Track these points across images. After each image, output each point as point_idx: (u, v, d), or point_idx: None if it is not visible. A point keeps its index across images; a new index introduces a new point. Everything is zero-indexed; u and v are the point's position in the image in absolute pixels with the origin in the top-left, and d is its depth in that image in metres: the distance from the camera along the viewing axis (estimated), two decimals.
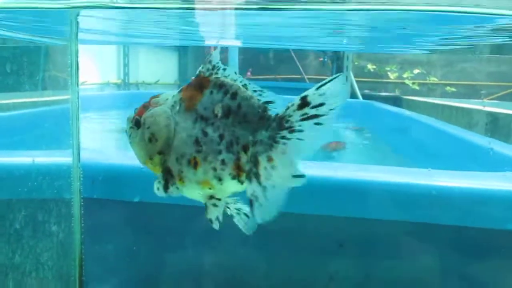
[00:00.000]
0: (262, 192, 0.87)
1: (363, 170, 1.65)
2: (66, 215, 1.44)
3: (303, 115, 0.86)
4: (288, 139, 0.87)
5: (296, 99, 0.87)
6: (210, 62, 0.98)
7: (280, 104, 0.95)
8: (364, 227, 1.60)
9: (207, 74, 0.97)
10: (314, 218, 1.61)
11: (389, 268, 1.69)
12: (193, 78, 1.01)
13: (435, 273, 1.68)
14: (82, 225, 1.53)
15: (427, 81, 11.30)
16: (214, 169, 0.95)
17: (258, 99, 0.94)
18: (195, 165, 0.96)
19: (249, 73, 9.75)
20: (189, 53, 9.85)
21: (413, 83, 11.20)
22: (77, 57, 1.50)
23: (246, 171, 0.92)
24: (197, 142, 0.96)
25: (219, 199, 0.99)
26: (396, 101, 8.41)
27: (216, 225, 0.99)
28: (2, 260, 1.27)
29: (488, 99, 10.12)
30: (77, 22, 1.49)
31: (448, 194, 1.48)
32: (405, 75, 11.25)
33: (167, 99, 1.03)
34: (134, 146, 1.06)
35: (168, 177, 1.00)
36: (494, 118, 5.61)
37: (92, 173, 1.63)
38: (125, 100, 6.63)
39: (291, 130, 0.87)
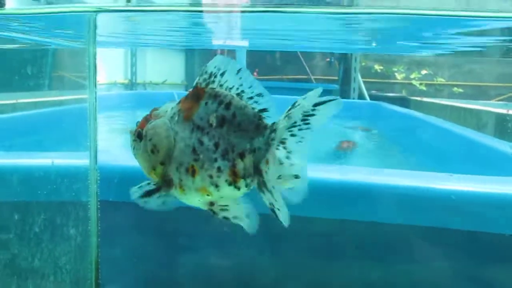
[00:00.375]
0: (272, 197, 0.93)
1: (382, 174, 1.64)
2: (84, 218, 1.43)
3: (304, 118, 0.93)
4: (285, 140, 0.95)
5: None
6: (205, 72, 1.02)
7: (275, 111, 0.99)
8: (384, 232, 1.58)
9: (203, 84, 1.02)
10: (333, 222, 1.60)
11: (406, 272, 1.68)
12: (190, 90, 1.06)
13: (452, 279, 1.67)
14: (99, 228, 1.53)
15: (435, 82, 11.25)
16: (211, 177, 0.98)
17: (252, 108, 0.98)
18: (193, 173, 1.00)
19: (255, 74, 9.74)
20: (196, 53, 9.86)
21: (421, 84, 11.16)
22: (95, 59, 1.50)
23: (249, 182, 0.98)
24: (194, 151, 1.00)
25: (219, 205, 1.03)
26: (403, 102, 8.37)
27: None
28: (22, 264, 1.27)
29: (496, 100, 10.07)
30: (95, 25, 1.49)
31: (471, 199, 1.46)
32: (412, 76, 11.21)
33: (167, 111, 1.08)
34: (138, 158, 1.10)
35: (162, 185, 1.05)
36: (503, 120, 5.58)
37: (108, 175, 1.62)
38: (132, 100, 6.64)
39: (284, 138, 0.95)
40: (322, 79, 10.59)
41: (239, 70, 1.01)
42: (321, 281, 1.73)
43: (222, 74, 1.00)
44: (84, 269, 1.46)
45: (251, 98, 1.00)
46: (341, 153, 3.73)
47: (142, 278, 1.73)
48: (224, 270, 1.79)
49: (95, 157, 1.51)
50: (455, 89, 11.10)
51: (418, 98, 8.76)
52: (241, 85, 1.00)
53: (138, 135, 1.09)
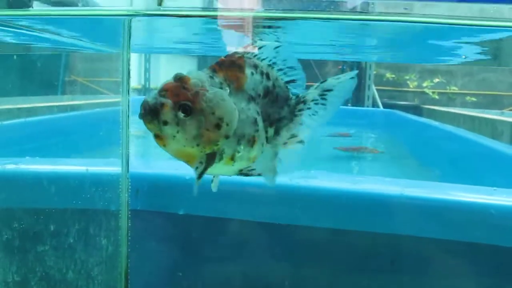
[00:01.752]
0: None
1: (417, 186, 1.60)
2: (115, 228, 1.40)
3: (321, 94, 1.06)
4: (304, 110, 1.05)
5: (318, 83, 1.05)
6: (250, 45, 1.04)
7: (303, 82, 1.06)
8: (421, 245, 1.54)
9: (241, 54, 1.00)
10: (368, 234, 1.56)
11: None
12: (222, 57, 0.98)
13: None
14: (129, 237, 1.50)
15: (447, 91, 11.18)
16: (262, 144, 0.99)
17: (281, 79, 1.04)
18: (252, 143, 0.96)
19: None
20: (209, 59, 9.85)
21: (433, 92, 11.09)
22: (129, 64, 1.48)
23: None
24: (255, 122, 0.97)
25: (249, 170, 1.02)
26: (416, 110, 8.33)
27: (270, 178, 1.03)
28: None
29: (510, 110, 9.98)
30: (130, 31, 1.46)
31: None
32: (424, 84, 11.15)
33: (205, 80, 0.93)
34: (183, 137, 0.88)
35: (209, 161, 0.93)
36: None
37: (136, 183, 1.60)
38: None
39: (305, 103, 1.05)
40: None
41: (277, 47, 1.03)
42: None
43: (260, 48, 1.02)
44: (114, 279, 1.43)
45: (281, 69, 1.05)
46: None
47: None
48: (247, 279, 1.76)
49: (127, 165, 1.48)
50: (468, 98, 11.03)
51: (431, 107, 8.71)
52: (274, 57, 1.03)
53: (184, 109, 0.88)
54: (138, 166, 1.69)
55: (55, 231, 1.30)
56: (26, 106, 3.92)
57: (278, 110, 1.03)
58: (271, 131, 1.02)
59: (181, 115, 0.87)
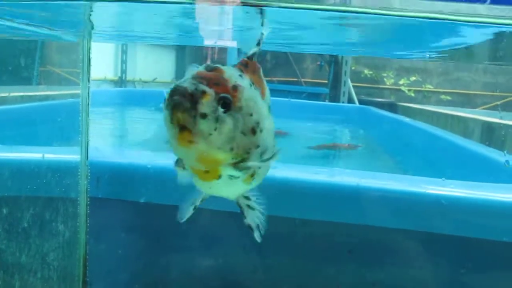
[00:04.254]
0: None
1: (373, 177, 1.64)
2: (73, 214, 1.41)
3: None
4: None
5: None
6: (258, 43, 0.92)
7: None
8: (373, 235, 1.58)
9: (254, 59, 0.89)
10: (324, 224, 1.60)
11: (395, 276, 1.68)
12: (245, 59, 0.87)
13: (439, 284, 1.67)
14: (88, 224, 1.51)
15: (423, 89, 11.35)
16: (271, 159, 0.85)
17: None
18: (270, 158, 0.82)
19: None
20: (187, 52, 9.81)
21: (409, 90, 11.25)
22: (89, 53, 1.48)
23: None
24: (274, 134, 0.84)
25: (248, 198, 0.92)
26: (391, 107, 8.43)
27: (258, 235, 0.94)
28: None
29: (482, 108, 10.20)
30: (90, 19, 1.46)
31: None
32: (401, 82, 11.30)
33: (236, 76, 0.78)
34: (219, 137, 0.72)
35: (239, 171, 0.79)
36: (489, 127, 5.64)
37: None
38: (121, 98, 6.58)
39: None
40: (311, 82, 10.61)
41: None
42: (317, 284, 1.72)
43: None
44: (72, 265, 1.44)
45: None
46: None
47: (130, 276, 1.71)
48: (211, 272, 1.77)
49: (86, 152, 1.48)
50: (443, 96, 11.22)
51: (407, 104, 8.83)
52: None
53: (225, 104, 0.72)
54: (99, 154, 1.70)
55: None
56: None
57: None
58: None
59: (220, 110, 0.71)
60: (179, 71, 10.00)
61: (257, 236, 0.91)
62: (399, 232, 1.56)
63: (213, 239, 1.72)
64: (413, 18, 1.33)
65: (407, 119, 4.91)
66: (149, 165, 1.67)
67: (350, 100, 7.69)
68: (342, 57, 7.34)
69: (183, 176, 0.86)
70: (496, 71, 10.07)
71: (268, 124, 0.80)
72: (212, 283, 1.77)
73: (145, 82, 8.61)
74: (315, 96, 8.17)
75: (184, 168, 0.84)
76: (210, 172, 0.77)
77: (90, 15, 1.47)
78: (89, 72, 1.46)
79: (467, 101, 10.71)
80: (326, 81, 8.67)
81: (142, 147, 3.61)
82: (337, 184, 1.60)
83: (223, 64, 0.80)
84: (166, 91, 0.75)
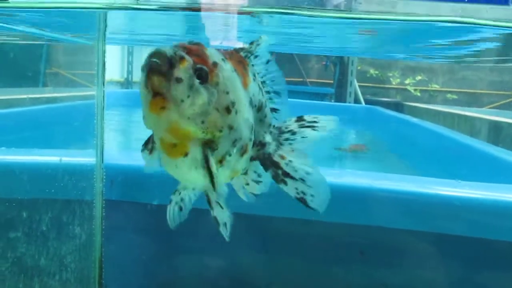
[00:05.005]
0: (304, 184, 0.90)
1: (385, 179, 1.64)
2: (89, 217, 1.42)
3: (300, 124, 0.93)
4: (293, 139, 0.93)
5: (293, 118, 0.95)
6: (252, 45, 0.94)
7: (286, 113, 0.99)
8: (386, 236, 1.59)
9: (244, 55, 0.91)
10: (335, 226, 1.60)
11: (407, 277, 1.68)
12: (231, 50, 0.89)
13: (452, 285, 1.68)
14: (103, 226, 1.52)
15: (429, 88, 11.33)
16: (247, 160, 0.89)
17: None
18: (243, 152, 0.83)
19: None
20: None
21: (415, 90, 11.23)
22: (104, 56, 1.49)
23: (273, 177, 0.93)
24: (251, 129, 0.84)
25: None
26: (397, 107, 8.42)
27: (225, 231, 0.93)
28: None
29: (489, 107, 10.16)
30: (106, 23, 1.48)
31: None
32: (407, 81, 11.28)
33: (219, 57, 0.78)
34: (192, 106, 0.71)
35: (207, 154, 0.77)
36: (496, 127, 5.62)
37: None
38: (127, 99, 6.60)
39: (293, 133, 0.93)
40: (317, 82, 10.61)
41: (268, 61, 0.95)
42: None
43: (255, 57, 0.93)
44: (88, 267, 1.45)
45: (268, 92, 0.96)
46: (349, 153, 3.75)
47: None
48: (219, 273, 1.78)
49: (102, 155, 1.50)
50: (449, 95, 11.19)
51: (413, 104, 8.81)
52: (265, 75, 0.95)
53: (201, 75, 0.72)
54: (113, 157, 1.71)
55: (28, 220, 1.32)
56: (5, 98, 3.90)
57: (263, 133, 0.92)
58: (252, 151, 0.89)
59: (196, 80, 0.71)
60: None
61: (224, 232, 0.92)
62: (413, 233, 1.57)
63: (226, 241, 1.73)
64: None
65: (414, 119, 4.90)
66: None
67: (356, 100, 7.69)
68: (348, 57, 7.33)
69: (149, 161, 0.88)
70: (502, 70, 10.04)
71: (247, 114, 0.81)
72: (224, 284, 1.78)
73: None
74: (321, 96, 8.17)
75: (150, 152, 0.87)
76: (178, 147, 0.75)
77: (105, 20, 1.49)
78: (103, 75, 1.47)
79: (474, 100, 10.68)
80: (331, 81, 8.66)
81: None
82: (350, 186, 1.61)
83: None
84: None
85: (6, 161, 1.52)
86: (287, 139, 0.93)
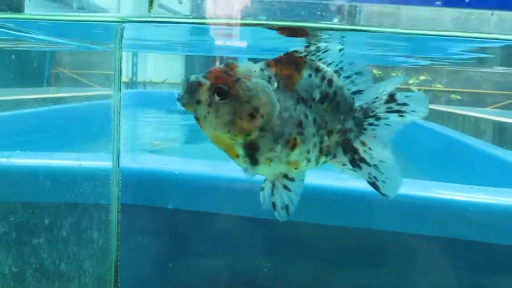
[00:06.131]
0: (377, 170, 0.97)
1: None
2: (105, 221, 1.44)
3: (389, 108, 0.97)
4: (376, 125, 0.98)
5: (384, 96, 0.97)
6: (311, 44, 0.98)
7: (371, 92, 0.99)
8: (400, 241, 1.60)
9: (303, 53, 0.96)
10: (351, 230, 1.62)
11: (418, 281, 1.69)
12: (282, 55, 0.96)
13: None
14: (119, 231, 1.53)
15: (432, 88, 11.31)
16: (308, 152, 0.96)
17: (348, 89, 0.99)
18: (292, 146, 0.93)
19: None
20: (196, 57, 9.85)
21: (419, 90, 11.21)
22: (120, 63, 1.51)
23: (349, 161, 0.99)
24: (299, 124, 0.94)
25: (292, 179, 0.99)
26: None
27: (283, 214, 0.99)
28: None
29: (493, 108, 10.15)
30: (122, 34, 1.49)
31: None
32: (410, 81, 11.27)
33: (254, 70, 0.92)
34: (214, 120, 0.88)
35: (253, 152, 0.91)
36: (501, 128, 5.62)
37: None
38: (133, 99, 6.62)
39: (378, 118, 0.97)
40: None
41: (341, 49, 0.98)
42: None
43: (324, 51, 0.97)
44: (104, 271, 1.47)
45: (348, 77, 0.99)
46: None
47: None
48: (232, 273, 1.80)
49: (118, 160, 1.51)
50: (453, 95, 11.18)
51: None
52: (341, 61, 0.98)
53: (220, 92, 0.88)
54: (128, 161, 1.73)
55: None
56: (11, 98, 3.91)
57: (340, 120, 0.98)
58: (327, 141, 0.98)
59: (216, 98, 0.87)
60: (189, 72, 10.03)
61: (279, 215, 0.99)
62: (426, 238, 1.58)
63: (239, 245, 1.75)
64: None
65: (420, 120, 4.88)
66: (177, 171, 1.69)
67: None
68: None
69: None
70: (506, 70, 10.02)
71: (286, 113, 0.92)
72: (237, 286, 1.79)
73: (156, 83, 8.64)
74: None
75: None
76: (229, 151, 0.92)
77: (122, 30, 1.50)
78: (120, 80, 1.49)
79: (478, 100, 10.66)
80: None
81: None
82: (363, 191, 1.62)
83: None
84: (177, 92, 0.90)
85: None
86: (371, 124, 0.98)
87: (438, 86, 11.32)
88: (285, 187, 1.00)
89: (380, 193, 0.97)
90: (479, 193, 1.52)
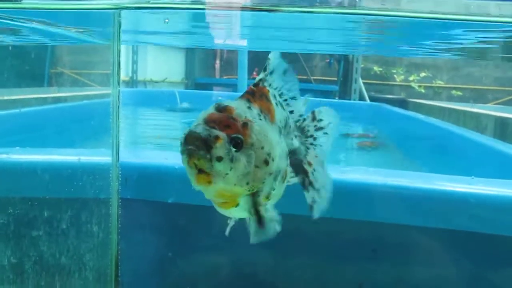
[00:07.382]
0: (318, 194, 0.99)
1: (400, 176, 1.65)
2: (105, 215, 1.43)
3: (315, 126, 1.02)
4: (315, 145, 1.01)
5: (307, 114, 1.03)
6: (265, 70, 0.96)
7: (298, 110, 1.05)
8: (401, 233, 1.60)
9: (262, 83, 0.94)
10: (351, 222, 1.61)
11: (423, 274, 1.69)
12: (251, 86, 0.92)
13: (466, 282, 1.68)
14: (119, 225, 1.53)
15: (433, 84, 11.30)
16: (285, 179, 0.94)
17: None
18: (284, 178, 0.90)
19: (255, 73, 9.74)
20: (196, 52, 9.87)
21: (419, 86, 11.20)
22: (119, 56, 1.50)
23: (300, 183, 0.99)
24: (286, 155, 0.91)
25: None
26: (402, 104, 8.41)
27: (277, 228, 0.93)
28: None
29: (494, 104, 10.13)
30: (120, 23, 1.48)
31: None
32: (411, 78, 11.25)
33: (245, 110, 0.84)
34: (235, 175, 0.77)
35: (255, 198, 0.84)
36: (502, 123, 5.61)
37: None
38: (133, 98, 6.62)
39: (314, 138, 1.01)
40: (321, 80, 10.60)
41: (285, 71, 0.97)
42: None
43: (271, 73, 0.95)
44: (105, 265, 1.46)
45: (285, 100, 1.00)
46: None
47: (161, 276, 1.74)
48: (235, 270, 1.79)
49: (117, 154, 1.51)
50: (453, 92, 11.16)
51: (417, 100, 8.80)
52: (282, 86, 0.98)
53: (236, 143, 0.77)
54: (128, 155, 1.72)
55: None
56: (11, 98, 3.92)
57: (291, 141, 0.97)
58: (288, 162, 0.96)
59: (233, 150, 0.76)
60: (188, 71, 10.04)
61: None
62: (427, 230, 1.57)
63: (240, 239, 1.74)
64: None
65: (421, 116, 4.89)
66: (177, 165, 1.69)
67: (361, 98, 7.68)
68: (352, 54, 7.33)
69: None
70: (507, 66, 10.00)
71: (280, 149, 0.86)
72: (239, 282, 1.79)
73: (156, 82, 8.64)
74: (325, 94, 8.17)
75: None
76: (229, 203, 0.84)
77: (120, 19, 1.50)
78: (119, 74, 1.48)
79: (478, 96, 10.65)
80: (335, 79, 8.66)
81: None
82: (365, 183, 1.61)
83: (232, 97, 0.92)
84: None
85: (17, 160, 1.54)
86: (311, 144, 1.02)
87: (439, 83, 11.30)
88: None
89: (311, 213, 0.98)
90: (480, 184, 1.51)
